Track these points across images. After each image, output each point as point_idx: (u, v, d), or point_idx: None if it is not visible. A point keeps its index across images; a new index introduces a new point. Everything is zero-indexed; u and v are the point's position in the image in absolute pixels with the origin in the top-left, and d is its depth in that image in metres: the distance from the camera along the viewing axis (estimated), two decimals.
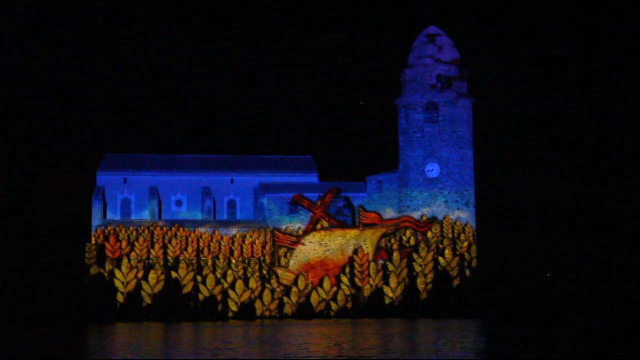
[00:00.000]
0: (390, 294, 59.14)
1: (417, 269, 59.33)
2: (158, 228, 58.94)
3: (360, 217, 60.48)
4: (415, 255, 59.47)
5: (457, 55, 62.72)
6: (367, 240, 59.89)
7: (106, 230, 58.39)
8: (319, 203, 60.81)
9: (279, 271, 58.84)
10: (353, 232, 59.98)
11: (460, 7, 78.23)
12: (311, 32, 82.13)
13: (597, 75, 74.99)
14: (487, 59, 73.86)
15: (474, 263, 59.97)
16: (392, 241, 60.16)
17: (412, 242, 60.13)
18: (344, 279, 59.29)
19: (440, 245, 60.00)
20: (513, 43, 76.75)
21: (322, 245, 59.66)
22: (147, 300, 57.03)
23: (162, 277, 57.36)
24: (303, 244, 59.56)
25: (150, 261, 57.60)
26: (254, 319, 57.20)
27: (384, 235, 59.97)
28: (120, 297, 56.88)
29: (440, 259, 59.63)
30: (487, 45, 75.20)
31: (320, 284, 58.98)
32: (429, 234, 60.19)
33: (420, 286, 59.26)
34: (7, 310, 57.04)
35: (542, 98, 76.64)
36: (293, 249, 59.42)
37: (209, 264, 58.23)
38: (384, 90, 67.37)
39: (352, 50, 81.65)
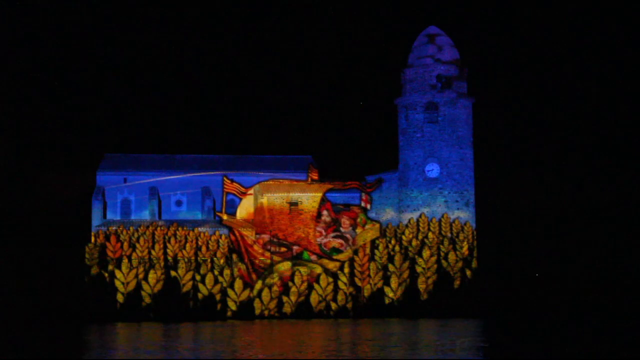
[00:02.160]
0: (391, 294, 59.25)
1: (419, 270, 59.39)
2: (158, 228, 59.15)
3: (309, 173, 61.65)
4: (418, 259, 59.63)
5: (457, 55, 62.75)
6: (313, 193, 60.96)
7: (107, 231, 58.68)
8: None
9: (224, 217, 59.99)
10: (300, 184, 61.09)
11: (460, 7, 78.15)
12: (311, 32, 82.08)
13: (598, 75, 74.94)
14: (487, 59, 73.83)
15: (474, 264, 60.00)
16: (393, 242, 60.31)
17: (414, 243, 60.16)
18: (343, 277, 59.56)
19: (441, 246, 60.02)
20: (513, 43, 76.69)
21: (268, 194, 60.55)
22: (147, 300, 57.21)
23: (162, 277, 57.61)
24: (250, 194, 60.62)
25: (152, 261, 57.84)
26: (253, 318, 57.32)
27: (329, 191, 61.16)
28: (120, 297, 57.11)
29: (444, 262, 59.67)
30: (487, 45, 75.14)
31: (317, 281, 59.25)
32: (430, 235, 60.18)
33: (421, 286, 59.33)
34: (8, 310, 57.04)
35: (542, 98, 76.61)
36: (241, 199, 60.61)
37: (207, 262, 58.52)
38: (384, 90, 67.29)
39: (352, 50, 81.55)
